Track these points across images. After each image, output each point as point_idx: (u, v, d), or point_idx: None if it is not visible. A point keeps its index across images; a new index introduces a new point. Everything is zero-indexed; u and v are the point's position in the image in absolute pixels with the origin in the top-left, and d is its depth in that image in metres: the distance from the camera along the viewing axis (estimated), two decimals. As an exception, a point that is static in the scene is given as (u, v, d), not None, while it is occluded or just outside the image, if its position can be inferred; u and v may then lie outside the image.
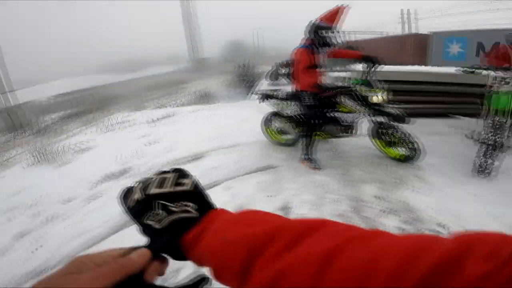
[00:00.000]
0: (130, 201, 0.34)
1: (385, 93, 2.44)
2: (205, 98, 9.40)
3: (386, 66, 2.83)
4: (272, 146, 3.15)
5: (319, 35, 2.45)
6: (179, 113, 5.04)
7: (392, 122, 2.48)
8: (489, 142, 2.37)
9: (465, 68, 2.98)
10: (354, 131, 2.70)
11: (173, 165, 2.83)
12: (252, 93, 3.81)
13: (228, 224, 0.31)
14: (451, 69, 3.39)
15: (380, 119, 2.55)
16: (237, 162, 2.83)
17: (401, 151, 2.61)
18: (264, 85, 7.40)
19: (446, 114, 3.71)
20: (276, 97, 2.92)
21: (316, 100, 2.59)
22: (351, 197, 2.19)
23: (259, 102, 3.14)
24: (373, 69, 2.53)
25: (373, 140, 2.74)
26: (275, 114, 3.04)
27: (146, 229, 0.33)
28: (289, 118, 2.93)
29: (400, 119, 2.41)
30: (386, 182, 2.36)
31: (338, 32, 2.47)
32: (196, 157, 3.03)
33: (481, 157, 2.38)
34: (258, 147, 3.15)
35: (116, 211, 1.91)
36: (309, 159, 2.69)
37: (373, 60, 2.51)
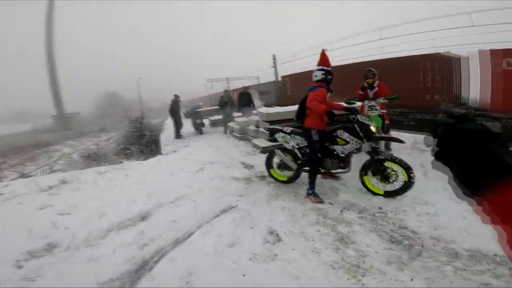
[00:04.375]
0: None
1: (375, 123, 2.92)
2: (94, 158, 8.23)
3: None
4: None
5: (327, 76, 2.90)
6: (80, 177, 4.40)
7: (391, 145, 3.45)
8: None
9: (347, 100, 4.17)
10: (348, 168, 3.03)
11: (122, 227, 2.64)
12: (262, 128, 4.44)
13: None
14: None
15: (373, 146, 2.86)
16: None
17: (382, 187, 2.84)
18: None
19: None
20: (284, 132, 3.25)
21: (320, 135, 2.94)
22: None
23: (268, 138, 3.56)
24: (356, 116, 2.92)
25: (362, 178, 2.95)
26: (278, 149, 3.37)
27: None
28: (291, 151, 3.26)
29: (399, 140, 2.87)
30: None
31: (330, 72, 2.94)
32: (144, 215, 2.93)
33: None
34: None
35: None
36: (314, 194, 2.92)
37: (354, 110, 2.96)
